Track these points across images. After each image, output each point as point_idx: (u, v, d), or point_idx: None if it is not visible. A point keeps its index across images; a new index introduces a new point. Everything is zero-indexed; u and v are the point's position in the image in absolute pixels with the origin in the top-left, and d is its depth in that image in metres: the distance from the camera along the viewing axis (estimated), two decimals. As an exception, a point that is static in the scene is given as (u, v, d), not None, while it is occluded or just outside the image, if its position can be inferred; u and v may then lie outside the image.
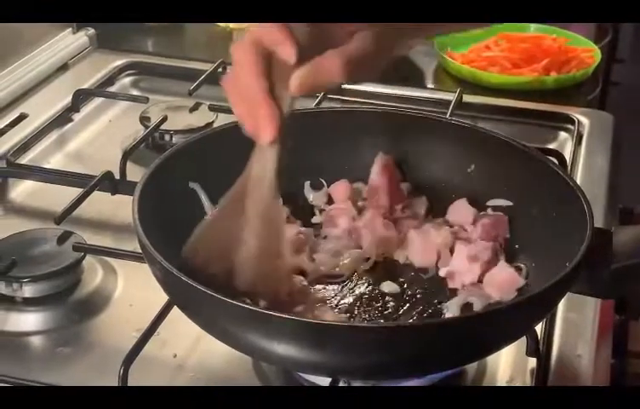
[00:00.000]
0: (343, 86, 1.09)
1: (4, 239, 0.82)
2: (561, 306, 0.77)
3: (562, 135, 1.08)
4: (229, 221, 0.67)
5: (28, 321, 0.77)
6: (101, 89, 1.13)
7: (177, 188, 0.76)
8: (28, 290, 0.77)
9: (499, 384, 0.72)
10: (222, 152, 0.81)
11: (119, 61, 1.18)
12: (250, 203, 0.67)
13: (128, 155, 0.93)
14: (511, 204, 0.79)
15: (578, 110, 1.10)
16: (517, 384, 0.72)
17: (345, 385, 0.66)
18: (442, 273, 0.76)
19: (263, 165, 0.66)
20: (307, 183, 0.83)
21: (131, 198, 0.72)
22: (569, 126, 1.07)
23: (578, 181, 0.82)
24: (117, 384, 0.67)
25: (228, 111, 1.04)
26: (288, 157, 0.67)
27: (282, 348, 0.62)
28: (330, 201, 0.83)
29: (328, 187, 0.83)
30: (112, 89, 1.14)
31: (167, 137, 1.02)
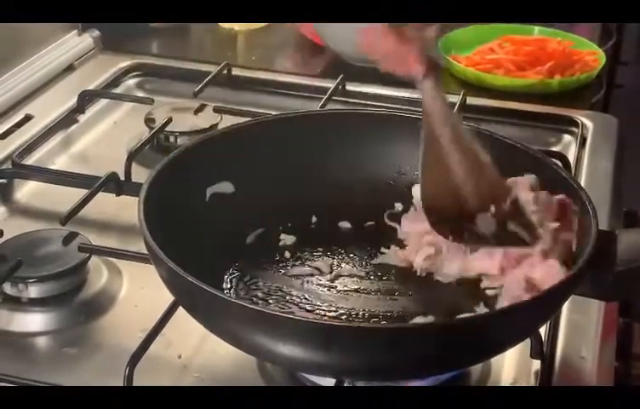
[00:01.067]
0: (347, 88, 1.11)
1: (10, 240, 0.82)
2: (565, 308, 0.77)
3: (566, 137, 1.08)
4: (435, 161, 0.74)
5: (34, 321, 0.77)
6: (106, 90, 1.13)
7: (182, 189, 0.77)
8: (34, 291, 0.77)
9: (503, 385, 0.72)
10: (227, 153, 0.81)
11: (124, 63, 1.19)
12: (441, 137, 0.73)
13: (133, 156, 0.93)
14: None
15: (582, 113, 1.10)
16: (520, 385, 0.72)
17: (350, 386, 0.66)
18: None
19: (431, 99, 0.72)
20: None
21: (136, 199, 0.72)
22: (573, 129, 1.07)
23: (582, 184, 0.83)
24: (122, 384, 0.67)
25: (233, 112, 1.05)
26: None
27: (287, 349, 0.62)
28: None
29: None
30: (117, 90, 1.15)
31: (172, 139, 1.02)
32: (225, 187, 0.80)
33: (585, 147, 1.04)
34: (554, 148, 1.04)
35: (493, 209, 0.74)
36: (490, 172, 0.74)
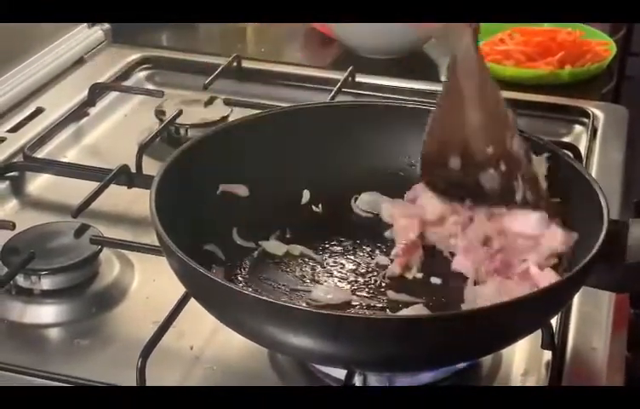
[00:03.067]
0: (357, 80, 1.10)
1: (22, 232, 0.82)
2: (576, 299, 0.77)
3: (577, 128, 1.08)
4: (451, 111, 0.77)
5: (46, 313, 0.77)
6: (117, 83, 1.13)
7: (193, 181, 0.77)
8: (46, 283, 0.78)
9: (513, 377, 0.72)
10: (237, 145, 0.82)
11: (134, 56, 1.19)
12: (465, 84, 0.76)
13: (143, 149, 0.94)
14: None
15: (593, 103, 1.10)
16: (531, 377, 0.72)
17: (359, 385, 0.66)
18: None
19: (463, 46, 0.76)
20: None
21: (146, 191, 0.72)
22: (584, 120, 1.07)
23: (593, 175, 0.82)
24: (134, 375, 0.67)
25: (243, 105, 1.06)
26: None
27: (298, 340, 0.63)
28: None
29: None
30: (128, 83, 1.15)
31: (182, 131, 1.02)
32: (237, 179, 0.80)
33: (596, 138, 1.04)
34: (565, 139, 1.04)
35: (503, 167, 0.75)
36: (509, 124, 0.75)
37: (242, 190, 0.80)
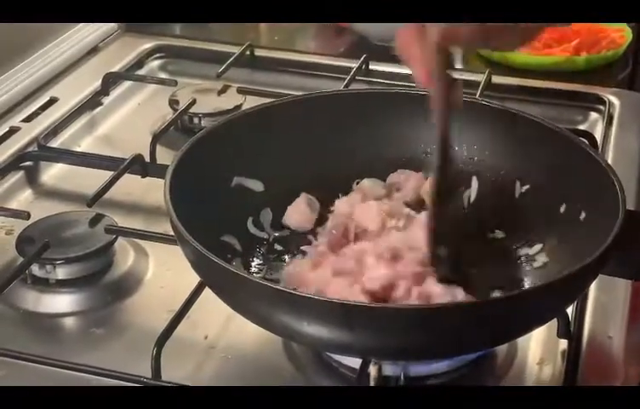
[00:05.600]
0: (370, 68, 1.10)
1: (37, 222, 0.82)
2: (592, 287, 0.76)
3: (593, 115, 1.07)
4: None
5: (61, 302, 0.77)
6: (130, 72, 1.13)
7: (207, 170, 0.77)
8: (61, 272, 0.78)
9: (529, 366, 0.72)
10: (251, 134, 0.82)
11: (147, 45, 1.19)
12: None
13: (157, 138, 0.94)
14: (541, 184, 0.78)
15: (609, 90, 1.09)
16: (547, 366, 0.72)
17: (375, 374, 0.66)
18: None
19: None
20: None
21: (161, 180, 0.72)
22: (600, 107, 1.06)
23: (609, 162, 0.82)
24: (149, 364, 0.67)
25: (256, 93, 1.05)
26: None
27: (313, 329, 0.63)
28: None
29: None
30: (141, 72, 1.15)
31: (195, 120, 1.02)
32: (251, 167, 0.80)
33: (612, 125, 1.03)
34: (581, 127, 1.03)
35: None
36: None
37: (257, 185, 0.80)
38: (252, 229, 0.78)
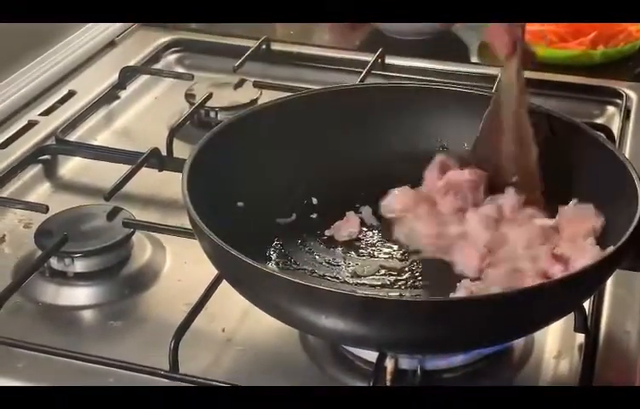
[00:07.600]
0: (386, 62, 1.10)
1: (55, 215, 0.83)
2: (609, 282, 0.76)
3: (610, 109, 1.06)
4: (490, 134, 0.80)
5: (80, 295, 0.78)
6: (147, 66, 1.14)
7: (224, 164, 0.77)
8: (79, 265, 0.79)
9: (546, 360, 0.72)
10: (267, 128, 0.82)
11: (164, 39, 1.19)
12: (504, 113, 0.79)
13: (174, 132, 0.94)
14: (558, 177, 0.78)
15: (626, 84, 1.09)
16: (564, 360, 0.71)
17: (391, 368, 0.66)
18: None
19: (508, 76, 0.79)
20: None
21: (177, 174, 0.73)
22: (617, 100, 1.06)
23: (626, 156, 0.81)
24: (167, 357, 0.68)
25: (272, 87, 1.06)
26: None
27: (329, 322, 0.63)
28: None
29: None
30: (158, 66, 1.15)
31: (212, 114, 1.02)
32: (268, 161, 0.80)
33: (630, 119, 1.03)
34: (597, 121, 1.02)
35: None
36: (529, 161, 0.78)
37: (272, 172, 0.80)
38: (269, 221, 0.78)
